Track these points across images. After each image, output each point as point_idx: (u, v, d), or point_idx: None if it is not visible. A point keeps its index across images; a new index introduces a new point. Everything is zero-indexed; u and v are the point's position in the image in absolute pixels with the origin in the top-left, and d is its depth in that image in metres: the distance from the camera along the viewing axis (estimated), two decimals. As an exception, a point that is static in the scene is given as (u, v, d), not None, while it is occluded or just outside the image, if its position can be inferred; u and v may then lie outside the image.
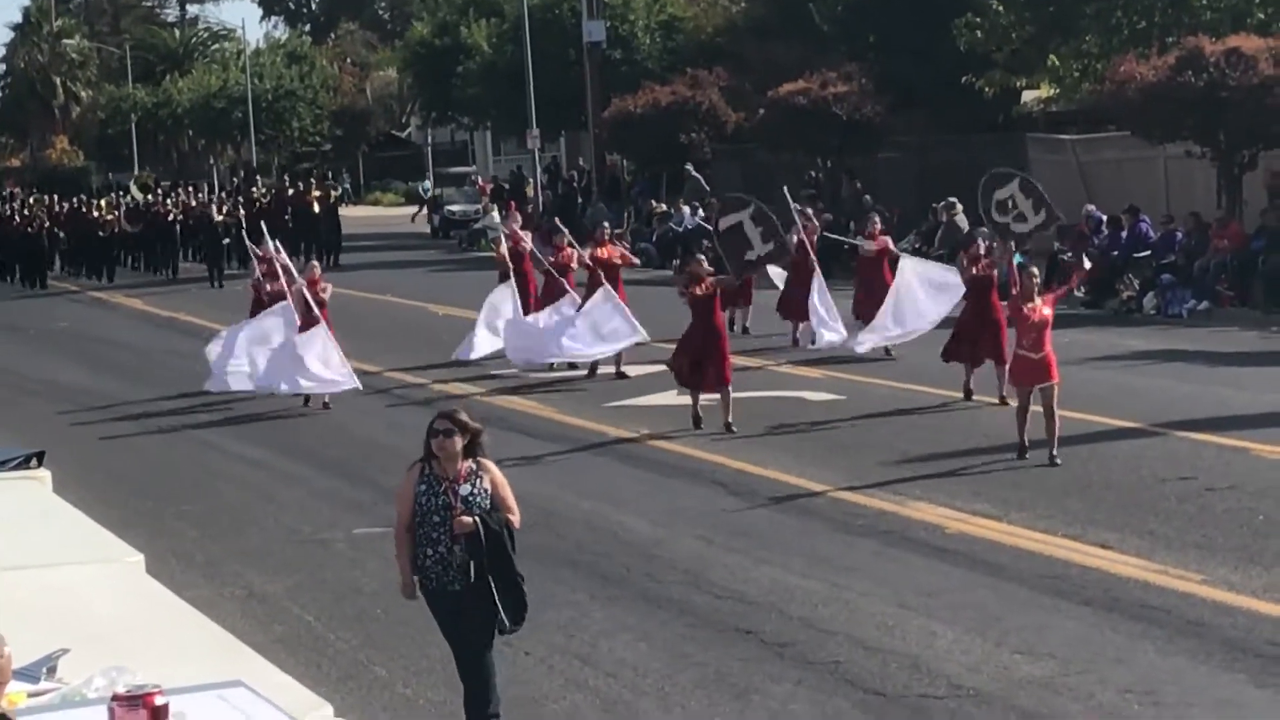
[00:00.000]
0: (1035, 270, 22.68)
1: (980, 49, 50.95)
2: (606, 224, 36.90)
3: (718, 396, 25.79)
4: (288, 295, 29.72)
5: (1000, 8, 50.17)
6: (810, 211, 36.92)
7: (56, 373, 36.48)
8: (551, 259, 33.05)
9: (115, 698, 3.44)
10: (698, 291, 25.59)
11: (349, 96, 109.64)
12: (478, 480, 12.44)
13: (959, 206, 43.01)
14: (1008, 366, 23.04)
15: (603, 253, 32.08)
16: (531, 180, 72.83)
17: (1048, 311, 21.88)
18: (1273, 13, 44.73)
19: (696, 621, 16.42)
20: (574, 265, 32.98)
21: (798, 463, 23.21)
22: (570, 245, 33.42)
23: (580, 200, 65.88)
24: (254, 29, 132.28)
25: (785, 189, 34.84)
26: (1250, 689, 13.74)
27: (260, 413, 29.73)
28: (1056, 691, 13.84)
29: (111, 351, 40.51)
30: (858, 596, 16.81)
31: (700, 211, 52.27)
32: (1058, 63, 50.37)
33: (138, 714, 3.39)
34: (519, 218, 36.89)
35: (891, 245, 33.52)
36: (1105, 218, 41.38)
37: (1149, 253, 40.10)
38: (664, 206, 56.18)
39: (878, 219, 34.60)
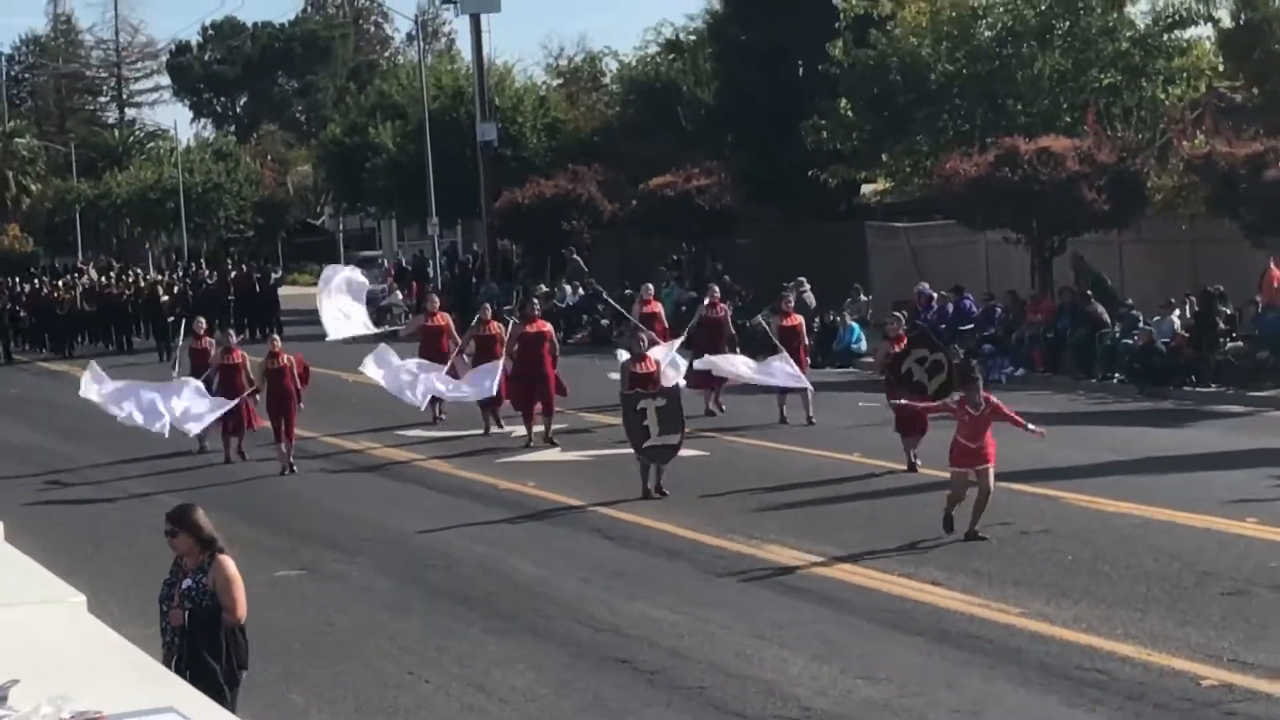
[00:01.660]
0: (979, 377, 21.50)
1: (824, 147, 51.31)
2: (488, 305, 37.03)
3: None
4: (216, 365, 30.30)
5: (842, 111, 50.54)
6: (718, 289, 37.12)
7: (8, 434, 36.18)
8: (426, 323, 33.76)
9: (64, 722, 3.41)
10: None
11: (269, 189, 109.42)
12: (201, 576, 12.11)
13: (806, 285, 43.34)
14: (950, 452, 20.81)
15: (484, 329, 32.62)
16: (432, 262, 72.75)
17: (988, 418, 20.31)
18: (1078, 117, 45.20)
19: (578, 652, 16.38)
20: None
21: (666, 512, 23.19)
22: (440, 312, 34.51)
23: (474, 280, 65.78)
24: (185, 129, 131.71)
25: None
26: (1063, 708, 13.81)
27: (186, 467, 29.56)
28: (894, 712, 13.87)
29: (56, 415, 40.17)
30: (719, 629, 16.81)
31: (580, 290, 52.41)
32: (892, 160, 50.85)
33: (84, 738, 3.37)
34: (435, 300, 36.84)
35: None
36: (934, 295, 41.69)
37: (972, 325, 40.44)
38: (544, 287, 56.11)
39: (717, 289, 35.10)
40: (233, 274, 67.11)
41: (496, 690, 15.13)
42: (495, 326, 32.81)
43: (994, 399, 20.66)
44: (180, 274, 68.50)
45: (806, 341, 34.17)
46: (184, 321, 35.54)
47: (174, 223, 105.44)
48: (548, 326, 31.39)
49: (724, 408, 32.85)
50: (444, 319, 33.88)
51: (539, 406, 30.38)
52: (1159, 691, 14.07)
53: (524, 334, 30.81)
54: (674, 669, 15.49)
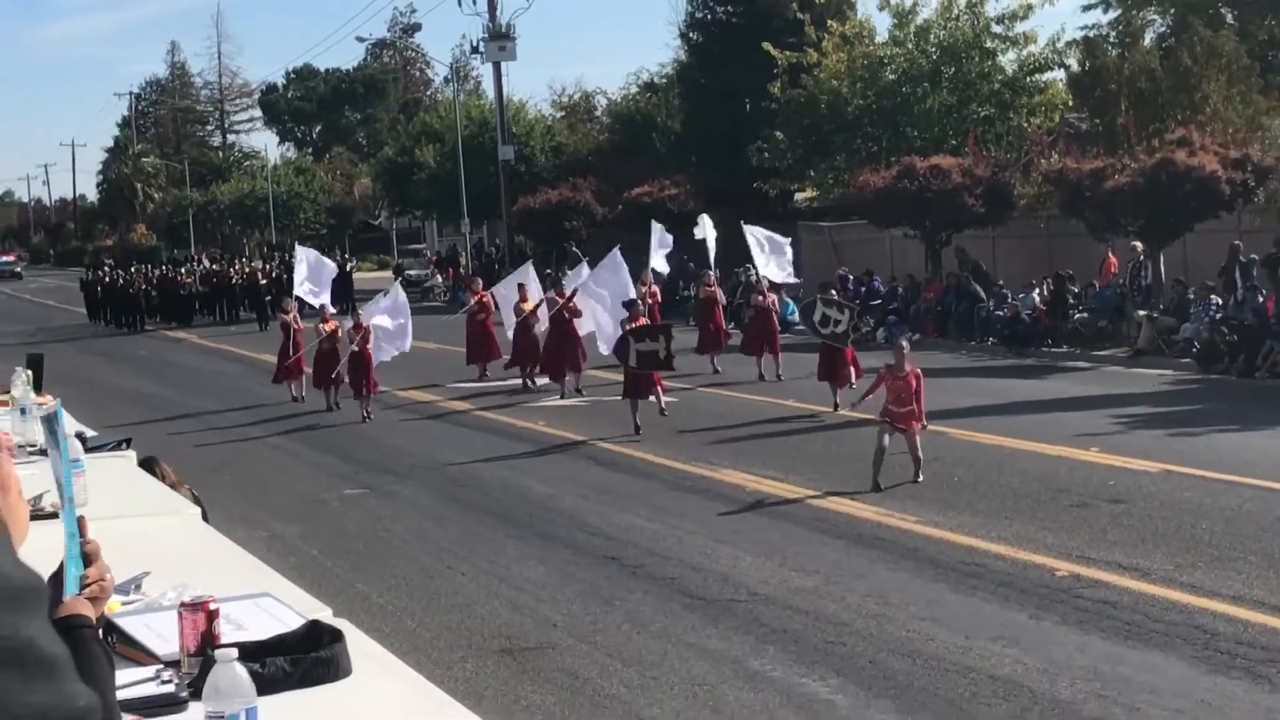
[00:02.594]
0: (905, 344, 20.26)
1: (766, 165, 51.32)
2: (479, 279, 36.94)
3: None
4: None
5: (779, 137, 50.51)
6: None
7: (137, 385, 36.10)
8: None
9: (182, 604, 3.41)
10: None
11: (339, 196, 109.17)
12: None
13: (753, 269, 43.27)
14: (880, 415, 19.47)
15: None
16: (463, 253, 72.62)
17: (913, 382, 18.94)
18: (961, 141, 45.19)
19: (577, 551, 16.38)
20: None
21: (644, 444, 23.19)
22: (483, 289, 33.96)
23: (496, 267, 65.63)
24: (273, 151, 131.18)
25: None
26: (949, 593, 13.82)
27: (282, 414, 29.52)
28: (821, 596, 13.89)
29: (175, 371, 40.09)
30: (685, 534, 16.81)
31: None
32: (818, 174, 50.85)
33: (198, 615, 3.35)
34: (479, 281, 36.33)
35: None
36: (851, 277, 41.69)
37: (880, 301, 40.46)
38: (549, 272, 55.92)
39: (765, 281, 33.83)
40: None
41: (514, 580, 15.13)
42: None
43: (917, 374, 19.29)
44: (276, 262, 68.15)
45: (721, 307, 34.44)
46: (279, 300, 35.08)
47: (265, 223, 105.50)
48: (575, 301, 30.20)
49: (719, 368, 32.15)
50: (487, 296, 33.37)
51: (569, 366, 29.68)
52: (1023, 580, 14.09)
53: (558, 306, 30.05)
54: (651, 564, 15.50)
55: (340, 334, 28.96)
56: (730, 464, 21.06)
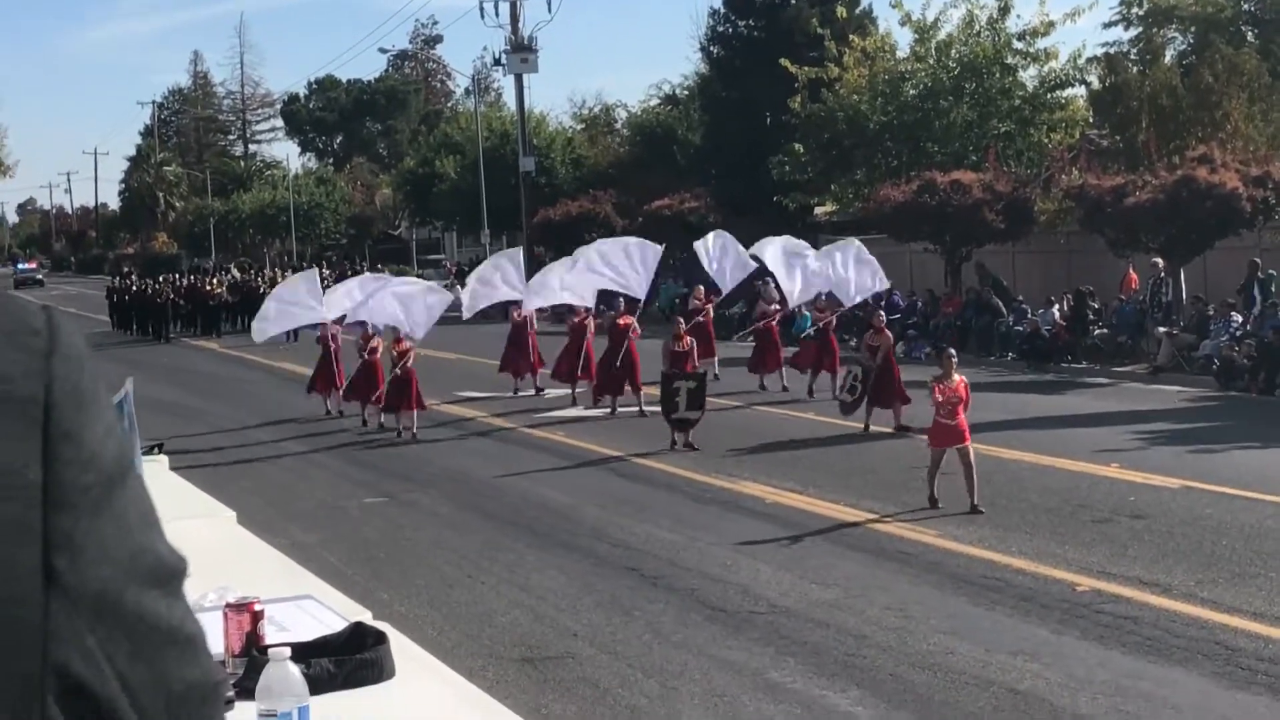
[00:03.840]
0: (953, 352, 19.39)
1: (786, 178, 51.30)
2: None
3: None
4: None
5: (799, 151, 50.53)
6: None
7: (160, 393, 36.20)
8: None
9: (227, 605, 3.42)
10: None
11: (359, 207, 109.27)
12: None
13: (772, 283, 43.32)
14: (930, 429, 18.70)
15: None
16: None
17: (962, 391, 18.14)
18: (981, 156, 45.15)
19: (598, 561, 16.38)
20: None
21: (665, 456, 23.21)
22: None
23: (517, 279, 65.75)
24: (294, 161, 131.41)
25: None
26: (970, 607, 13.81)
27: (303, 422, 29.56)
28: (841, 609, 13.88)
29: (198, 380, 40.19)
30: (706, 545, 16.81)
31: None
32: (838, 188, 50.83)
33: (243, 617, 3.37)
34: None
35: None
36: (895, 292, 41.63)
37: (899, 315, 40.40)
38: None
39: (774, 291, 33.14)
40: (349, 272, 66.90)
41: (535, 589, 15.14)
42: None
43: (966, 384, 18.50)
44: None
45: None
46: None
47: (286, 232, 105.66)
48: (632, 320, 28.77)
49: (765, 385, 31.36)
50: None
51: (628, 386, 28.14)
52: (1044, 595, 14.08)
53: (614, 326, 28.56)
54: (671, 575, 15.50)
55: (395, 352, 27.07)
56: (750, 476, 21.05)
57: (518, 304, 31.15)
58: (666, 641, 13.05)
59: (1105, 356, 33.82)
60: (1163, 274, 34.49)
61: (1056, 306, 35.98)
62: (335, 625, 3.55)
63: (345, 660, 3.25)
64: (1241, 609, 13.21)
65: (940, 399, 18.06)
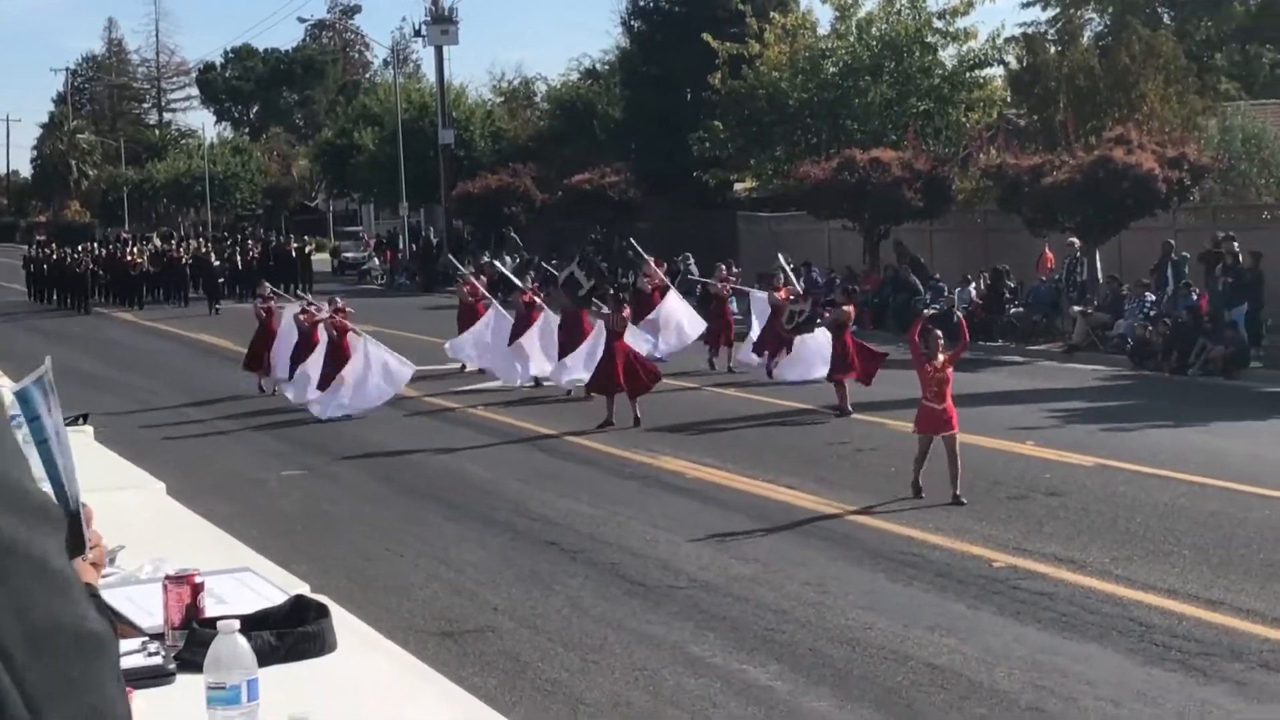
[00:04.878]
0: (939, 332, 18.15)
1: (706, 154, 51.42)
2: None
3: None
4: (283, 317, 28.16)
5: (719, 127, 50.61)
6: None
7: (77, 363, 35.80)
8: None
9: (166, 578, 3.41)
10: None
11: (275, 177, 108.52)
12: None
13: (691, 259, 43.50)
14: (916, 414, 17.79)
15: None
16: (402, 237, 72.37)
17: (949, 370, 17.53)
18: (900, 135, 45.39)
19: (517, 535, 16.40)
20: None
21: (584, 431, 23.22)
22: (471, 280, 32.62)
23: (435, 252, 65.51)
24: (210, 130, 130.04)
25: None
26: (888, 583, 13.92)
27: (220, 394, 29.33)
28: (759, 584, 13.96)
29: (113, 349, 39.79)
30: (626, 520, 16.86)
31: (516, 259, 52.22)
32: (757, 165, 50.97)
33: (183, 589, 3.35)
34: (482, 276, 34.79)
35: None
36: (792, 267, 41.76)
37: (818, 291, 40.49)
38: (487, 257, 55.87)
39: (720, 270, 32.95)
40: (273, 243, 66.26)
41: (454, 563, 15.13)
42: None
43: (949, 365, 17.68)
44: (229, 243, 67.37)
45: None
46: (231, 283, 32.98)
47: (201, 202, 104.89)
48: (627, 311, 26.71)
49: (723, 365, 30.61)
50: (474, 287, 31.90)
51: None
52: (961, 570, 14.22)
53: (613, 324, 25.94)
54: (591, 550, 15.53)
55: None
56: (671, 452, 21.10)
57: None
58: (586, 616, 13.08)
59: (1021, 335, 34.11)
60: (1078, 253, 34.82)
61: (973, 284, 36.25)
62: (275, 598, 3.54)
63: (287, 633, 3.25)
64: (1155, 586, 13.39)
65: (925, 388, 17.42)
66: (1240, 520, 15.82)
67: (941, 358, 17.51)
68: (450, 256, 58.40)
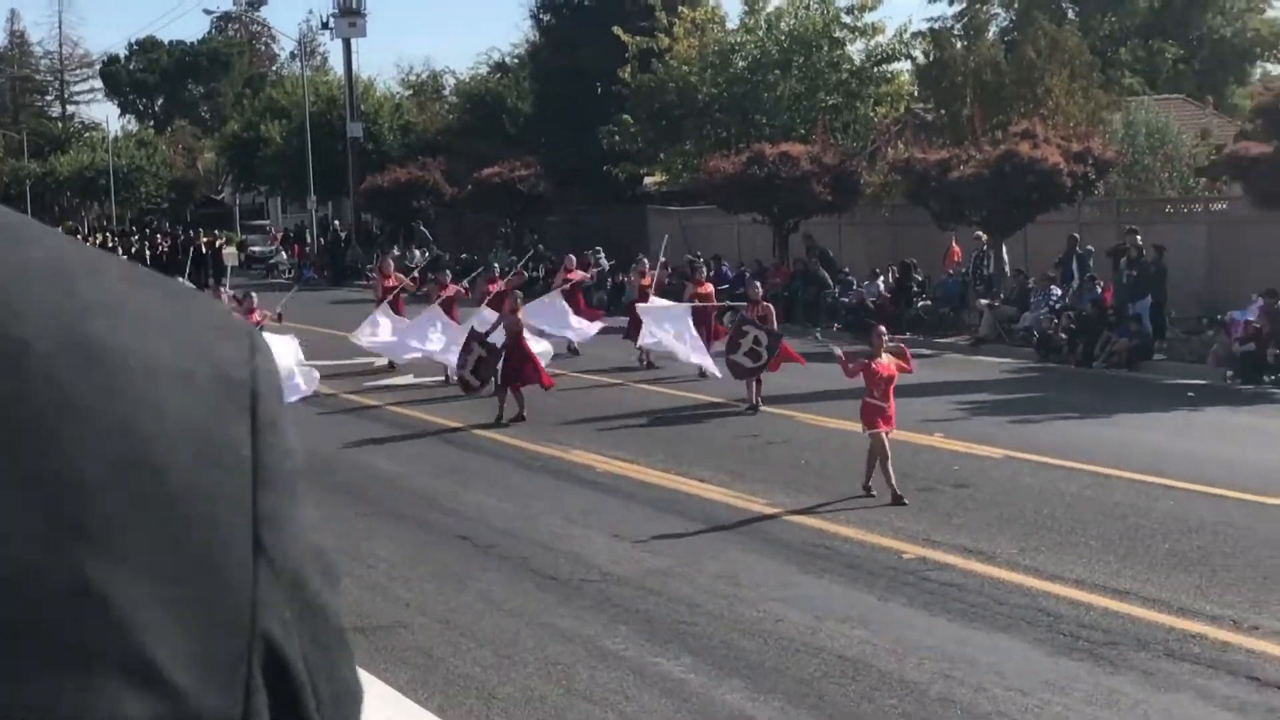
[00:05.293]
0: (884, 330, 18.52)
1: (616, 148, 51.46)
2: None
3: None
4: None
5: (629, 121, 50.64)
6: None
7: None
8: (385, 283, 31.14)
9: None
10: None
11: (181, 171, 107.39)
12: None
13: (601, 251, 43.48)
14: (860, 411, 17.71)
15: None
16: (309, 231, 71.91)
17: (894, 370, 17.65)
18: (809, 129, 45.56)
19: (428, 530, 16.32)
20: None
21: (494, 425, 23.13)
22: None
23: (344, 245, 65.14)
24: (114, 123, 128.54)
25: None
26: (799, 574, 13.97)
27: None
28: (672, 577, 13.96)
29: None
30: (537, 514, 16.81)
31: (428, 253, 52.02)
32: (667, 159, 51.06)
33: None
34: (390, 263, 34.69)
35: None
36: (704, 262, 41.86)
37: (727, 286, 40.58)
38: (397, 251, 55.61)
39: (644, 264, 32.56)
40: (181, 238, 65.64)
41: (364, 558, 15.01)
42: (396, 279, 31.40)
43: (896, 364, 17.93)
44: (135, 238, 66.70)
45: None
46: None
47: (105, 195, 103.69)
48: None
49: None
50: (396, 279, 31.64)
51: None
52: (871, 562, 14.29)
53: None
54: (503, 544, 15.49)
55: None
56: (581, 445, 21.07)
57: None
58: (499, 610, 13.04)
59: (928, 328, 34.35)
60: (985, 247, 35.11)
61: (881, 278, 36.47)
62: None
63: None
64: (1063, 576, 13.52)
65: (851, 368, 17.77)
66: (1145, 511, 16.01)
67: (885, 357, 17.66)
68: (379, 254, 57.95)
